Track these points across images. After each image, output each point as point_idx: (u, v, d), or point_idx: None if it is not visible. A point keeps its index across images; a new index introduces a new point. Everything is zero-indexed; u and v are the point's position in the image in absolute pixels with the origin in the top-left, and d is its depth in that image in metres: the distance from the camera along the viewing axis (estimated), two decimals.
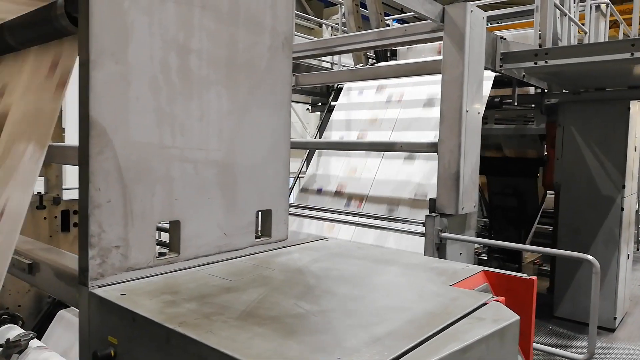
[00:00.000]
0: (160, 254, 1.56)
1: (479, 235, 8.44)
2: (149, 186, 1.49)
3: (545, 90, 4.98)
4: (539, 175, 5.54)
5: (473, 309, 1.27)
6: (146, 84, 1.48)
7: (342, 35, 3.56)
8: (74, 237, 3.47)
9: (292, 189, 5.22)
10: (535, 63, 3.64)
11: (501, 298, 1.38)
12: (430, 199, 3.22)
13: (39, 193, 3.31)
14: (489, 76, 4.36)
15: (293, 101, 6.78)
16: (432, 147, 3.20)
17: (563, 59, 3.50)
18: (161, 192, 1.52)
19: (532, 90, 5.21)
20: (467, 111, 3.04)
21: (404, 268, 1.67)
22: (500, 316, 1.23)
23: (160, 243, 2.76)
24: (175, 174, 1.56)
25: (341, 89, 5.52)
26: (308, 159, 5.33)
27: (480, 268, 1.71)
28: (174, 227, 1.59)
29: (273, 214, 1.91)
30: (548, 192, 5.93)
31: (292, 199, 5.07)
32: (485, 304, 1.32)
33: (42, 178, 3.35)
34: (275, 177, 1.91)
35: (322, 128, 5.54)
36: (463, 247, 3.27)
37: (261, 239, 1.88)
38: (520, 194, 6.30)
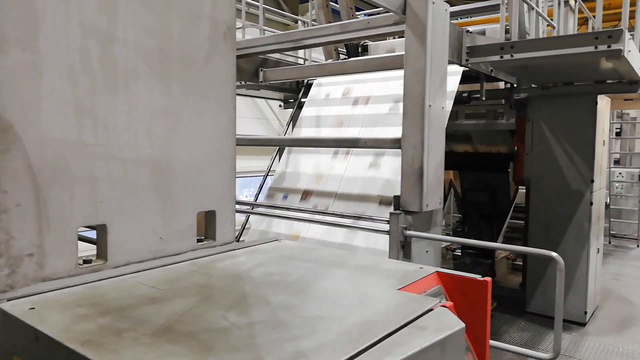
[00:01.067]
0: (86, 261, 1.43)
1: (454, 231, 8.48)
2: (68, 188, 1.36)
3: (515, 85, 4.95)
4: (510, 171, 5.53)
5: (416, 316, 1.17)
6: (62, 75, 1.34)
7: (305, 28, 3.45)
8: None
9: (261, 186, 5.09)
10: (501, 57, 3.59)
11: (449, 303, 1.29)
12: (394, 196, 3.14)
13: None
14: (457, 71, 4.30)
15: (265, 97, 6.65)
16: (395, 143, 3.11)
17: (529, 52, 3.45)
18: (82, 194, 1.39)
19: (501, 85, 5.18)
20: (430, 106, 2.95)
21: (351, 271, 1.57)
22: (444, 324, 1.14)
23: None
24: (99, 174, 1.42)
25: (311, 84, 5.41)
26: (280, 156, 5.21)
27: (434, 269, 1.62)
28: (100, 232, 1.46)
29: (217, 215, 1.79)
30: (519, 187, 5.93)
31: (262, 197, 4.94)
32: (431, 309, 1.23)
33: None
34: (220, 176, 1.79)
35: (293, 124, 5.42)
36: (429, 245, 3.19)
37: (204, 242, 1.76)
38: (492, 189, 6.29)
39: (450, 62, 3.70)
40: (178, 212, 1.64)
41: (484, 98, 4.35)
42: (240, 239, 4.90)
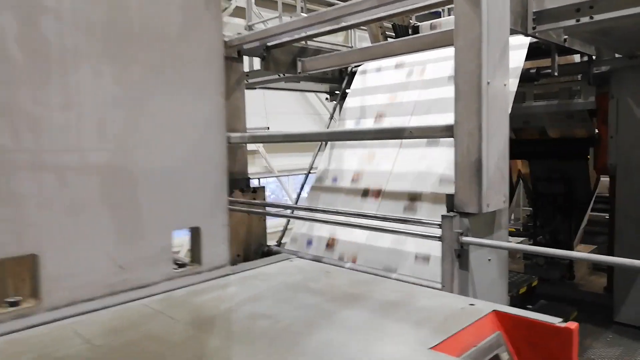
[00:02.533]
0: (13, 304, 1.09)
1: (525, 226, 7.65)
2: None
3: (594, 57, 4.20)
4: (589, 158, 4.76)
5: None
6: None
7: (335, 7, 3.01)
8: None
9: (302, 186, 4.72)
10: (578, 20, 2.94)
11: None
12: (447, 194, 2.62)
13: None
14: (522, 43, 3.67)
15: (306, 90, 6.26)
16: (447, 131, 2.59)
17: (613, 11, 2.79)
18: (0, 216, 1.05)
19: (576, 58, 4.44)
20: (488, 83, 2.41)
21: (371, 312, 1.13)
22: None
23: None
24: (23, 189, 1.08)
25: (355, 72, 4.95)
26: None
27: (490, 307, 1.14)
28: (33, 265, 1.11)
29: (203, 233, 1.41)
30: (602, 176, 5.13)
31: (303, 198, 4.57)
32: None
33: None
34: (204, 183, 1.41)
35: (342, 116, 4.99)
36: (492, 253, 2.65)
37: (187, 268, 1.39)
38: (568, 179, 5.51)
39: (513, 32, 3.11)
40: (145, 232, 1.27)
41: (556, 73, 3.69)
42: (282, 243, 4.55)
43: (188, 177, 1.36)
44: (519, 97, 4.84)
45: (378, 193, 3.92)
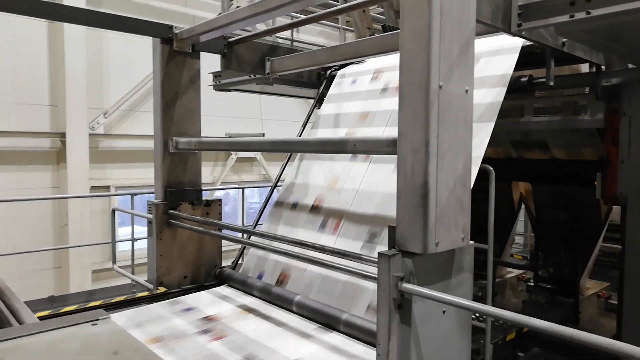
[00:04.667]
0: None
1: (533, 255, 6.93)
2: None
3: (603, 68, 3.59)
4: (597, 184, 4.12)
5: None
6: None
7: None
8: None
9: (267, 201, 4.20)
10: (572, 16, 2.37)
11: None
12: (389, 226, 2.07)
13: None
14: (514, 47, 3.12)
15: (284, 95, 5.76)
16: (392, 146, 2.06)
17: (615, 5, 2.21)
18: None
19: (586, 68, 3.84)
20: (440, 87, 1.87)
21: None
22: None
23: None
24: None
25: (334, 76, 4.45)
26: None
27: None
28: None
29: None
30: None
31: (265, 215, 4.05)
32: None
33: None
34: None
35: (315, 124, 4.48)
36: (448, 305, 2.08)
37: None
38: (575, 207, 4.85)
39: (493, 30, 2.57)
40: None
41: (551, 83, 3.10)
42: (238, 264, 4.04)
43: None
44: (517, 110, 4.24)
45: (338, 223, 3.39)
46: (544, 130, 4.27)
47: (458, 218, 2.05)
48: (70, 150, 7.66)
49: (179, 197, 3.74)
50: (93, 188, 7.99)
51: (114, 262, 4.78)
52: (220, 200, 3.97)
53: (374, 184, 3.32)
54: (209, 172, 9.85)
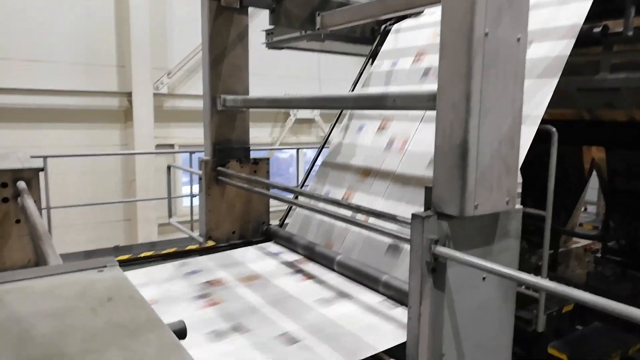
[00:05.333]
0: None
1: (605, 224, 6.45)
2: None
3: None
4: None
5: None
6: None
7: None
8: (5, 214, 2.91)
9: (313, 162, 4.16)
10: None
11: None
12: (426, 187, 1.96)
13: None
14: None
15: (341, 52, 5.58)
16: (432, 101, 1.91)
17: None
18: None
19: None
20: (485, 34, 1.68)
21: None
22: None
23: None
24: None
25: (389, 31, 4.23)
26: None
27: None
28: None
29: None
30: None
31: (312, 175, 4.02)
32: None
33: None
34: None
35: (366, 82, 4.33)
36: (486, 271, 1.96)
37: None
38: None
39: None
40: None
41: (629, 33, 2.75)
42: (284, 224, 4.07)
43: None
44: (591, 66, 3.83)
45: (384, 184, 3.29)
46: (622, 89, 3.84)
47: (502, 180, 1.89)
48: (136, 109, 8.01)
49: (227, 154, 3.78)
50: (158, 146, 8.34)
51: (170, 216, 5.00)
52: (267, 159, 3.98)
53: (425, 144, 3.17)
54: (268, 133, 9.95)
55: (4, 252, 2.98)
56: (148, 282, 2.96)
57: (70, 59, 7.62)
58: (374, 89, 3.90)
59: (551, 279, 3.48)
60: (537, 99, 2.68)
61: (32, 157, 3.34)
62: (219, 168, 3.73)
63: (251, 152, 3.89)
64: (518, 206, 2.07)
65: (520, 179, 2.07)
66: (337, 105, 2.98)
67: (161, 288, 2.87)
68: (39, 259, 1.46)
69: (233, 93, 3.69)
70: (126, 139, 8.22)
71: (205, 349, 2.19)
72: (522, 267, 2.17)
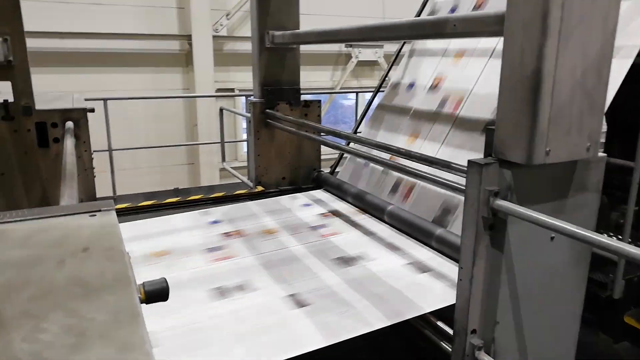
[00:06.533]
0: None
1: None
2: None
3: None
4: None
5: None
6: None
7: None
8: (56, 154, 2.94)
9: (369, 105, 3.86)
10: None
11: None
12: (486, 127, 1.65)
13: (5, 101, 2.79)
14: None
15: None
16: (500, 24, 1.57)
17: None
18: None
19: None
20: None
21: None
22: None
23: None
24: None
25: None
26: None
27: None
28: None
29: None
30: None
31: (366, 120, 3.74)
32: None
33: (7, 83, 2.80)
34: None
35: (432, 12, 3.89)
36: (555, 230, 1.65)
37: None
38: None
39: None
40: None
41: None
42: (335, 172, 3.87)
43: None
44: None
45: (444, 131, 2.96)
46: None
47: (584, 120, 1.54)
48: (196, 52, 7.93)
49: (277, 96, 3.58)
50: (218, 90, 8.30)
51: (224, 160, 4.95)
52: (319, 101, 3.74)
53: (490, 85, 2.79)
54: (329, 76, 9.60)
55: (58, 191, 3.04)
56: (166, 231, 2.82)
57: (130, 1, 7.61)
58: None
59: (634, 239, 3.06)
60: (635, 26, 2.22)
61: (89, 99, 3.33)
62: (268, 110, 3.56)
63: (310, 95, 3.67)
64: (601, 154, 1.72)
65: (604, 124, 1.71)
66: (390, 36, 2.65)
67: (177, 237, 2.74)
68: (50, 199, 1.37)
69: (283, 29, 3.43)
70: (188, 83, 8.24)
71: (202, 307, 1.98)
72: (599, 225, 1.85)
